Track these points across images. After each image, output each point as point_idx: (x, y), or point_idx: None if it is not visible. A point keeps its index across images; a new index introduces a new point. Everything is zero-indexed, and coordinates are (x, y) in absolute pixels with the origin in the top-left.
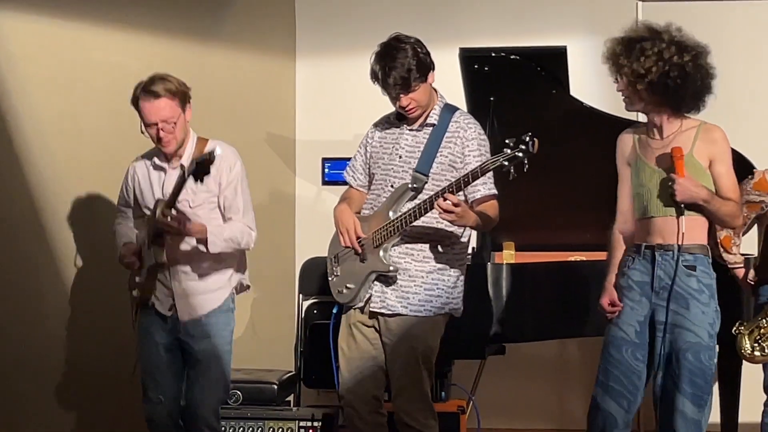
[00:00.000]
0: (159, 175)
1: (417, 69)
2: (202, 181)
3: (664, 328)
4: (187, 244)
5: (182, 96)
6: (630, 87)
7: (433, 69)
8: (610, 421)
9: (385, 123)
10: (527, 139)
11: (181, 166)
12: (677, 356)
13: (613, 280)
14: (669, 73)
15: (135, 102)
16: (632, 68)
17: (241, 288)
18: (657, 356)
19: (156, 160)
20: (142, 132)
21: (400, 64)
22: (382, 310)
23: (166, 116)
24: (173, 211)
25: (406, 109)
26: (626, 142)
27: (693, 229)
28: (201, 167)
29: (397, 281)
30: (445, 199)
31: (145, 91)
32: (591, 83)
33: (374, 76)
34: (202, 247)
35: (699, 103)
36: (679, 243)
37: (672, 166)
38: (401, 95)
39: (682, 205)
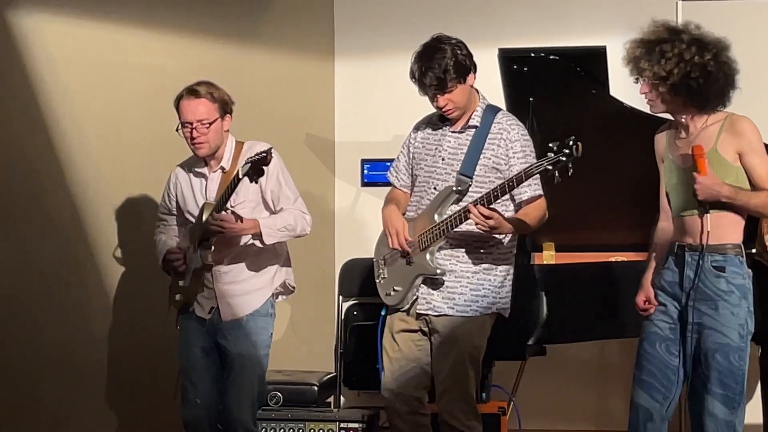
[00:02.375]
0: (200, 181)
1: (454, 70)
2: (256, 181)
3: (692, 329)
4: (234, 246)
5: (222, 103)
6: (653, 90)
7: (474, 71)
8: (645, 414)
9: (428, 124)
10: (571, 143)
11: (222, 169)
12: (705, 357)
13: (650, 277)
14: (690, 74)
15: (177, 102)
16: (653, 71)
17: (286, 289)
18: (687, 357)
19: (196, 168)
20: (177, 131)
21: (437, 65)
22: (429, 312)
23: (201, 116)
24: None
25: (443, 109)
26: (660, 140)
27: (723, 228)
28: (255, 167)
29: (444, 282)
30: (477, 208)
31: (188, 90)
32: (631, 83)
33: (412, 75)
34: (257, 242)
35: (723, 99)
36: (704, 243)
37: (694, 164)
38: (438, 95)
39: (707, 204)
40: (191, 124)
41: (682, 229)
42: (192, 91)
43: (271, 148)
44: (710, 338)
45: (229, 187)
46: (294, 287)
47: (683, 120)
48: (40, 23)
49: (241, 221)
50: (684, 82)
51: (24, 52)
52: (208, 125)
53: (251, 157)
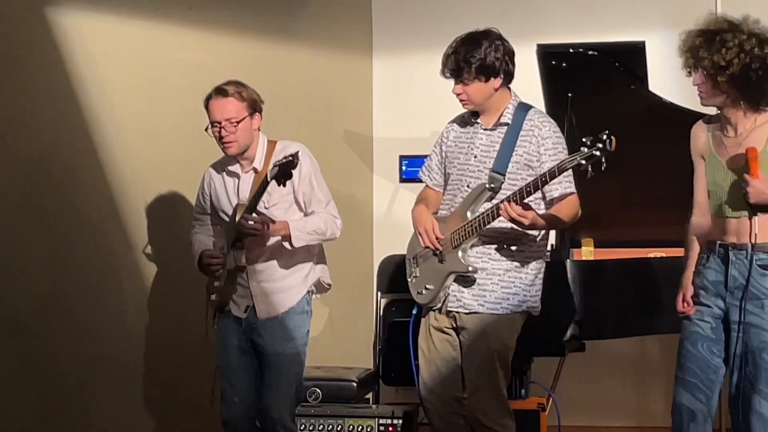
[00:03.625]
0: (233, 181)
1: (476, 66)
2: (284, 184)
3: (738, 328)
4: (267, 245)
5: (252, 102)
6: (710, 80)
7: (504, 76)
8: (688, 415)
9: (460, 122)
10: (604, 137)
11: (254, 169)
12: (753, 356)
13: (690, 276)
14: (751, 65)
15: (206, 102)
16: (713, 60)
17: (321, 287)
18: (732, 356)
19: (229, 167)
20: (206, 131)
21: (462, 51)
22: (459, 309)
23: (229, 115)
24: (253, 214)
25: (458, 97)
26: (699, 134)
27: (765, 228)
28: (283, 171)
29: (475, 280)
30: (511, 207)
31: (217, 89)
32: (670, 78)
33: (444, 54)
34: (286, 244)
35: None
36: (753, 242)
37: (746, 165)
38: (455, 83)
39: (756, 207)
40: (219, 123)
41: (724, 228)
42: (220, 91)
43: (297, 152)
44: (757, 337)
45: (259, 189)
46: (329, 285)
47: (731, 117)
48: (79, 21)
49: (272, 223)
50: (743, 72)
51: (63, 50)
52: (236, 124)
53: (279, 161)
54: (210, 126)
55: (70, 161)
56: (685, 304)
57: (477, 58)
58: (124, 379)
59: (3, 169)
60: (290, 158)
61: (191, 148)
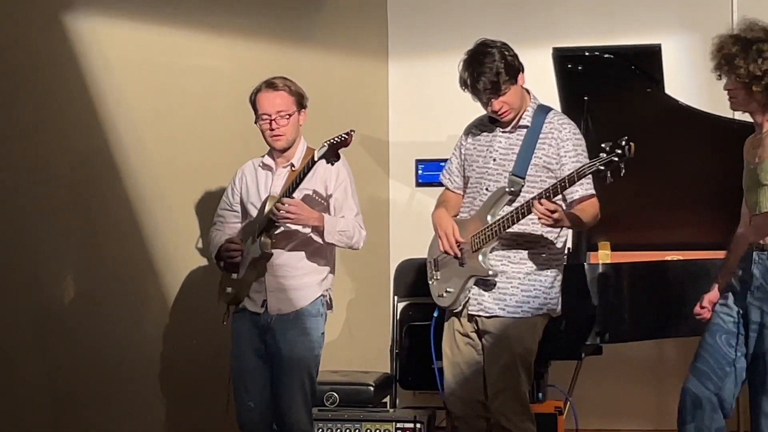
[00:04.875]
0: (266, 174)
1: (506, 71)
2: (333, 163)
3: (756, 328)
4: (292, 238)
5: (299, 97)
6: (743, 88)
7: (523, 71)
8: (693, 400)
9: (479, 125)
10: (623, 143)
11: (291, 165)
12: (763, 357)
13: (716, 285)
14: None
15: (254, 95)
16: (749, 70)
17: (326, 302)
18: (747, 356)
19: (264, 159)
20: (255, 123)
21: (488, 69)
22: (480, 313)
23: (280, 108)
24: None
25: (499, 113)
26: (745, 145)
27: None
28: (333, 150)
29: (495, 283)
30: (541, 204)
31: (267, 83)
32: (686, 81)
33: (463, 83)
34: (317, 237)
35: None
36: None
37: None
38: (492, 99)
39: None
40: (270, 115)
41: (753, 228)
42: (270, 84)
43: (352, 131)
44: None
45: (303, 170)
46: (332, 301)
47: (758, 119)
48: (96, 26)
49: (305, 211)
50: None
51: (80, 54)
52: (287, 117)
53: (329, 140)
54: (258, 119)
55: (88, 166)
56: (700, 307)
57: (502, 64)
58: (140, 384)
59: (13, 173)
60: (344, 136)
61: (208, 153)
